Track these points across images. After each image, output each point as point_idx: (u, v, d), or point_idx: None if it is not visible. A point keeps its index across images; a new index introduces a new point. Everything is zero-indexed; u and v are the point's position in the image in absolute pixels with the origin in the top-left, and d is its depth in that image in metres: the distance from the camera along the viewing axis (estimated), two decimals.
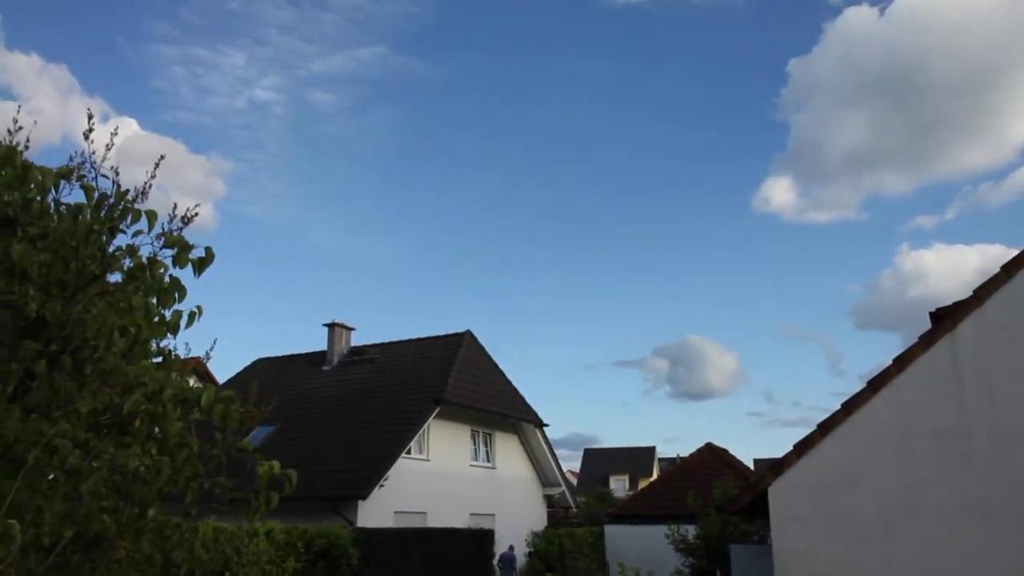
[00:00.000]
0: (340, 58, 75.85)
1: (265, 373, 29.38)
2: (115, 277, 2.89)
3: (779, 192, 70.15)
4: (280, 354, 30.87)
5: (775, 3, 71.99)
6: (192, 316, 3.00)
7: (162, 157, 2.98)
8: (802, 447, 9.66)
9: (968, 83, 53.10)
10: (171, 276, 2.84)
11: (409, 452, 22.44)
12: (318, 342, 29.74)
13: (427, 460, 23.71)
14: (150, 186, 2.98)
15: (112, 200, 2.84)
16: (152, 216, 2.84)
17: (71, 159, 2.91)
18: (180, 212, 2.90)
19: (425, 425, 22.96)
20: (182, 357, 3.10)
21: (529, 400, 28.56)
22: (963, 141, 59.03)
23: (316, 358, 29.03)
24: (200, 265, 2.80)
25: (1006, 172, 67.32)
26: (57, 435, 2.42)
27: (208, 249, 2.77)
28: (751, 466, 39.26)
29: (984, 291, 8.87)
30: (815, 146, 61.79)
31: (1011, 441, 8.50)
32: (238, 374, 30.17)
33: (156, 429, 2.76)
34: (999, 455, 8.51)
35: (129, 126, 61.70)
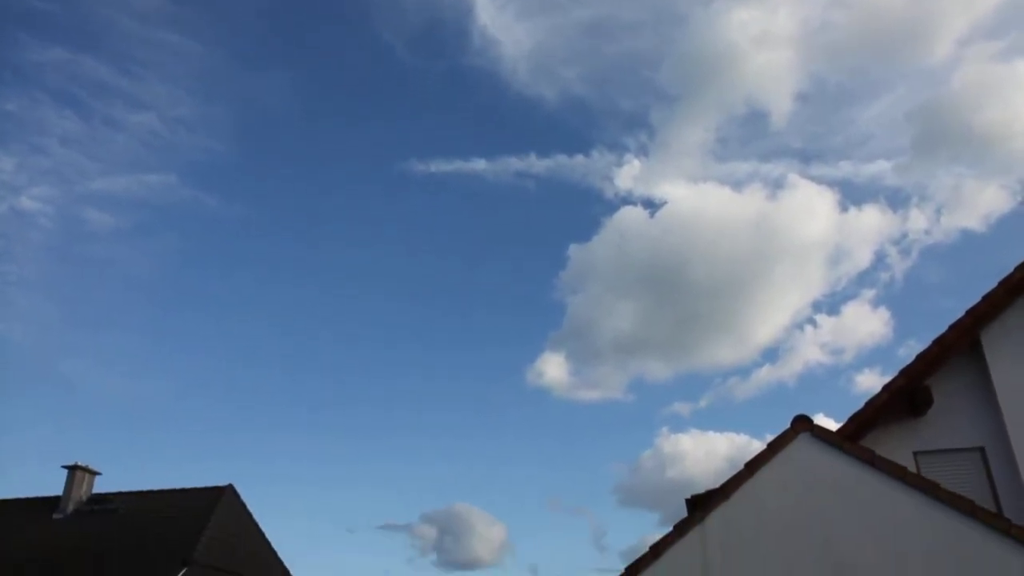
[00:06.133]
0: (125, 180, 71.95)
1: None
2: None
3: (552, 368, 73.56)
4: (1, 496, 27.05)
5: (561, 192, 78.54)
6: None
7: None
8: None
9: (721, 287, 59.86)
10: None
11: None
12: (54, 486, 26.44)
13: None
14: None
15: None
16: None
17: None
18: None
19: None
20: None
21: (288, 563, 26.71)
22: (716, 338, 65.72)
23: (47, 504, 25.66)
24: None
25: (750, 370, 75.05)
26: None
27: None
28: None
29: (730, 486, 9.63)
30: (588, 328, 66.22)
31: None
32: None
33: None
34: None
35: None
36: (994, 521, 8.70)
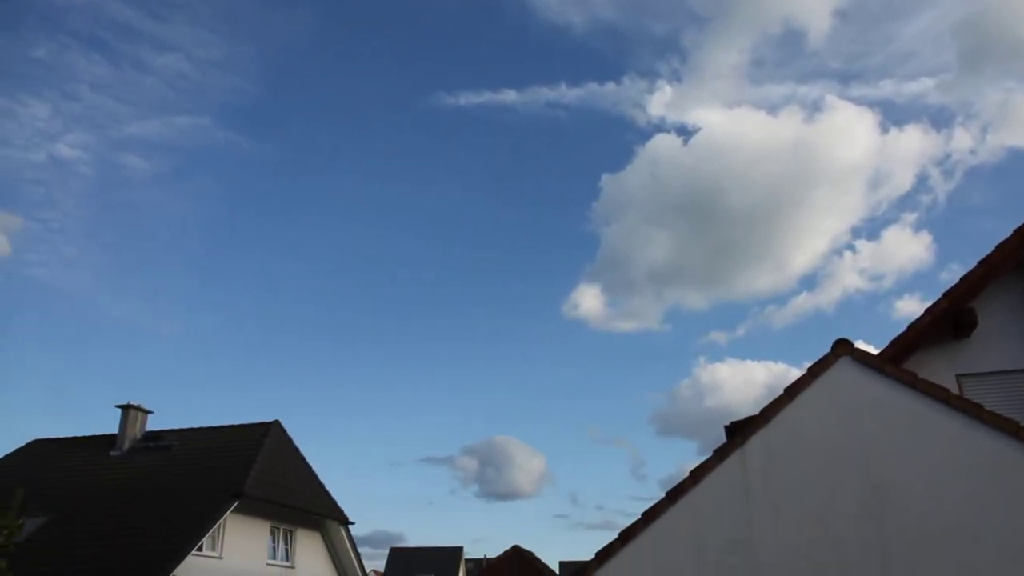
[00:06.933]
0: (158, 123, 72.15)
1: (41, 456, 26.64)
2: None
3: (588, 300, 73.83)
4: (62, 435, 28.13)
5: (594, 121, 77.42)
6: None
7: None
8: (603, 556, 9.87)
9: (758, 214, 59.18)
10: None
11: (200, 549, 20.82)
12: (109, 425, 27.41)
13: (220, 558, 22.07)
14: None
15: None
16: None
17: None
18: None
19: (221, 520, 21.48)
20: None
21: (334, 495, 27.53)
22: (753, 266, 65.24)
23: (104, 442, 26.66)
24: None
25: (788, 298, 74.71)
26: None
27: None
28: (556, 569, 39.47)
29: (770, 411, 9.62)
30: (622, 259, 66.07)
31: (790, 554, 9.10)
32: (9, 455, 27.18)
33: None
34: (780, 568, 9.08)
35: None
36: None
